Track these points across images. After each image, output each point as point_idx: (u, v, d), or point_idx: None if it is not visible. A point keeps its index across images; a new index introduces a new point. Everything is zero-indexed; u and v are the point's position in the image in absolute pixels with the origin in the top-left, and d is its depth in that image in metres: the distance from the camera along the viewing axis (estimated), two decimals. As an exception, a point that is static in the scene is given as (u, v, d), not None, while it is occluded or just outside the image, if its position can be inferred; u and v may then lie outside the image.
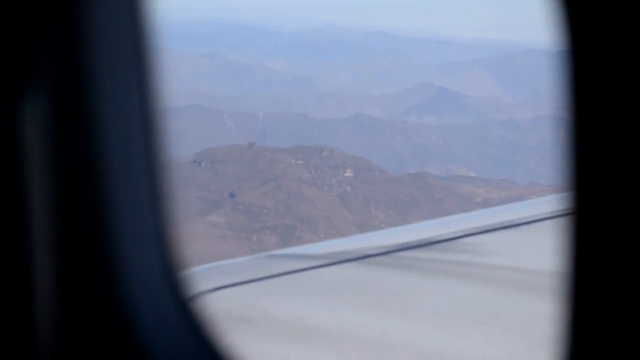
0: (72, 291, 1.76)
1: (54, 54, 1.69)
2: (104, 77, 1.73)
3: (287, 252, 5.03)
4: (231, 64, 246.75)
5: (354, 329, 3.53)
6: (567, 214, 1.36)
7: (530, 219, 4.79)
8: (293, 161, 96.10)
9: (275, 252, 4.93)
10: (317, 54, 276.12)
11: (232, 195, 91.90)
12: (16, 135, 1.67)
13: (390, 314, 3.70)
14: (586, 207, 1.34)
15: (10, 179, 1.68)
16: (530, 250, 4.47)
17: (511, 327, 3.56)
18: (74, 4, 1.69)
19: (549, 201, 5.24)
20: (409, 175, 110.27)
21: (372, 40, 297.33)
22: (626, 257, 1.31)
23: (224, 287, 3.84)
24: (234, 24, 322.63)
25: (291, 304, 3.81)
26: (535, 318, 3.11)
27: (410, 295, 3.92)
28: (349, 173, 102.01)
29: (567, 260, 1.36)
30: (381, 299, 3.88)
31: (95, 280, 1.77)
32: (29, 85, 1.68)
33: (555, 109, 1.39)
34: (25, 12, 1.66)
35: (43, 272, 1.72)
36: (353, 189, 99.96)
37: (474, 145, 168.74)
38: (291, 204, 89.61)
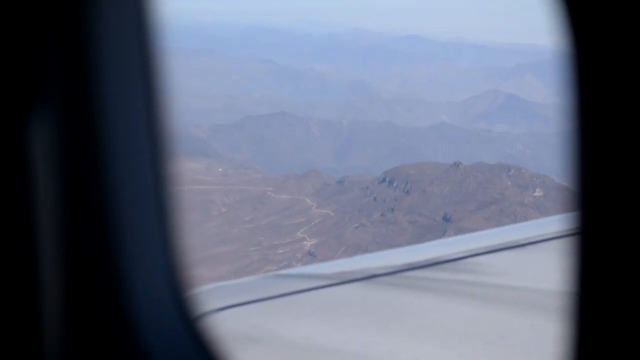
0: (77, 306, 1.73)
1: (61, 69, 1.67)
2: (111, 88, 1.71)
3: (294, 272, 4.96)
4: (283, 69, 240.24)
5: (361, 348, 3.59)
6: (573, 234, 1.34)
7: (537, 239, 4.79)
8: (509, 183, 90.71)
9: (282, 272, 4.90)
10: (354, 58, 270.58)
11: (446, 220, 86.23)
12: (24, 147, 1.65)
13: (396, 334, 3.74)
14: (593, 226, 1.30)
15: (17, 190, 1.66)
16: (536, 270, 4.45)
17: (518, 347, 3.61)
18: (80, 17, 1.67)
19: (556, 221, 5.19)
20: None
21: (406, 44, 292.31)
22: (632, 277, 1.28)
23: (230, 307, 3.90)
24: (264, 27, 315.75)
25: (298, 324, 3.84)
26: (542, 338, 3.18)
27: (416, 315, 3.95)
28: (538, 193, 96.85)
29: (573, 280, 1.35)
30: (388, 319, 3.91)
31: (102, 298, 1.75)
32: (36, 97, 1.66)
33: (565, 117, 1.32)
34: (32, 25, 1.64)
35: (49, 289, 1.70)
36: (544, 210, 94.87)
37: (560, 155, 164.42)
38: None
